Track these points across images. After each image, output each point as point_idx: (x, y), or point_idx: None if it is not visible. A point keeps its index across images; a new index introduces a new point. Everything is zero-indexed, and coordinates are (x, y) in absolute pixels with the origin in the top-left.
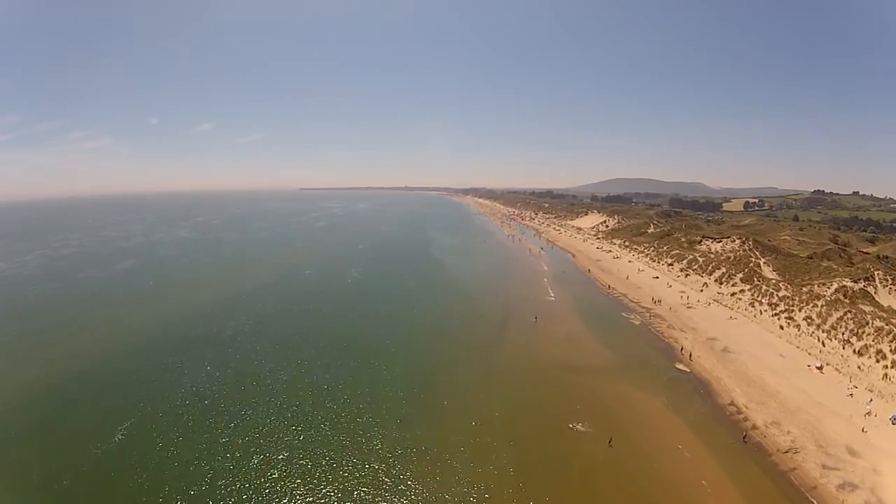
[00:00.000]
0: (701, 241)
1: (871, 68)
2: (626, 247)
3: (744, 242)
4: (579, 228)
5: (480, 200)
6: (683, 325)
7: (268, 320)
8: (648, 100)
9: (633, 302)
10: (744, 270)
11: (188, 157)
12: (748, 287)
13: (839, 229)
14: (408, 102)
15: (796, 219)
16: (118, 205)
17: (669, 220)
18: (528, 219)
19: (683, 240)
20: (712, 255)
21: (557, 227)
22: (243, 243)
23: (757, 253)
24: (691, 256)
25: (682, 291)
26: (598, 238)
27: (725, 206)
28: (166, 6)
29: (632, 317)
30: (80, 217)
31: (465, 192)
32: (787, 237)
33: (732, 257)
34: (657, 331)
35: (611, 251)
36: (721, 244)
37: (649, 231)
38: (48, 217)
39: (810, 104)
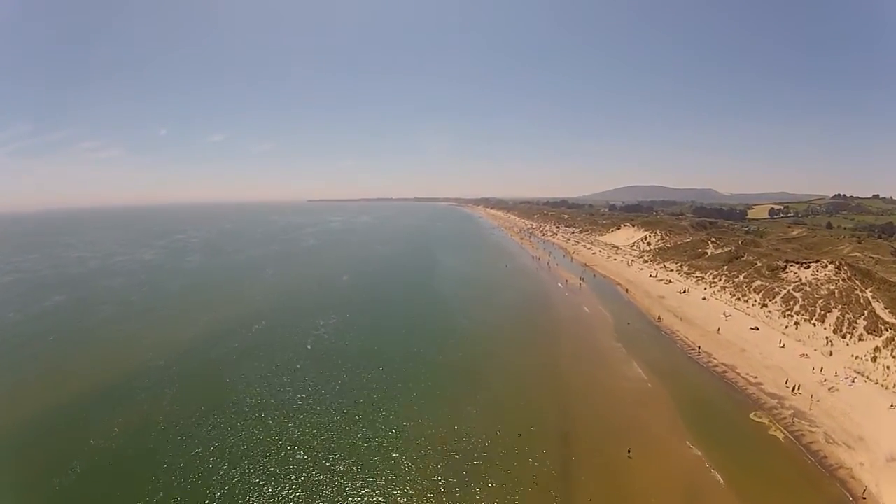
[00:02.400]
0: (786, 266)
1: (876, 67)
2: (688, 274)
3: (839, 269)
4: (615, 247)
5: (493, 212)
6: (844, 431)
7: (138, 449)
8: (654, 104)
9: (750, 384)
10: (862, 314)
11: (198, 168)
12: (881, 342)
13: (881, 237)
14: (415, 110)
15: (829, 226)
16: (112, 218)
17: (714, 234)
18: (549, 233)
19: (760, 264)
20: (808, 288)
21: (588, 245)
22: (204, 272)
23: (858, 283)
24: (784, 291)
25: (805, 356)
26: (644, 260)
27: (750, 214)
28: (176, 16)
29: (764, 420)
30: (59, 233)
31: (476, 202)
32: (856, 254)
33: (836, 291)
34: (815, 453)
35: (670, 281)
36: (811, 270)
37: (709, 252)
38: (28, 232)
39: (815, 105)
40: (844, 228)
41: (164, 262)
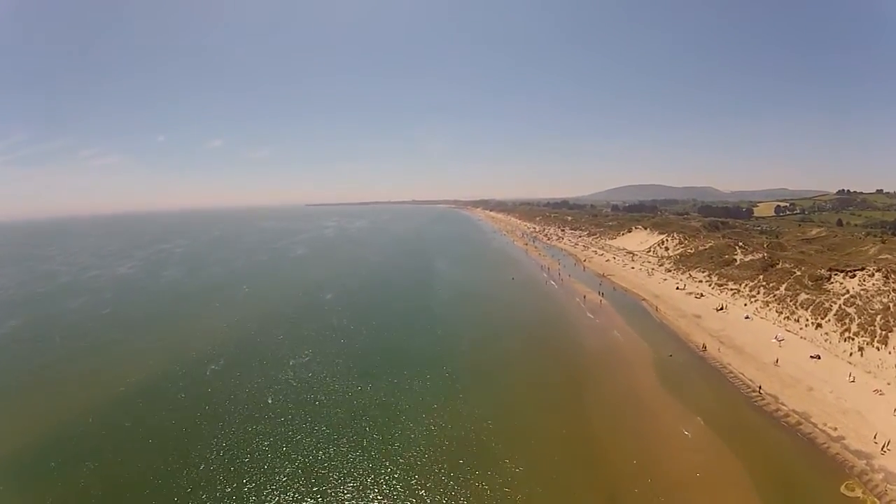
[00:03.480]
0: (830, 276)
1: (873, 64)
2: (719, 285)
3: (887, 277)
4: (630, 252)
5: (493, 214)
6: None
7: None
8: (651, 103)
9: (832, 438)
10: None
11: (197, 174)
12: None
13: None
14: (413, 112)
15: (840, 223)
16: (106, 226)
17: (738, 238)
18: (554, 237)
19: (800, 273)
20: (859, 302)
21: (599, 251)
22: (175, 290)
23: None
24: (835, 306)
25: (879, 391)
26: (667, 269)
27: (756, 212)
28: (174, 23)
29: (858, 493)
30: (46, 244)
31: (476, 204)
32: (886, 255)
33: (890, 305)
34: None
35: (702, 294)
36: (856, 280)
37: (738, 259)
38: (16, 242)
39: (812, 102)
40: (855, 225)
41: (137, 278)
